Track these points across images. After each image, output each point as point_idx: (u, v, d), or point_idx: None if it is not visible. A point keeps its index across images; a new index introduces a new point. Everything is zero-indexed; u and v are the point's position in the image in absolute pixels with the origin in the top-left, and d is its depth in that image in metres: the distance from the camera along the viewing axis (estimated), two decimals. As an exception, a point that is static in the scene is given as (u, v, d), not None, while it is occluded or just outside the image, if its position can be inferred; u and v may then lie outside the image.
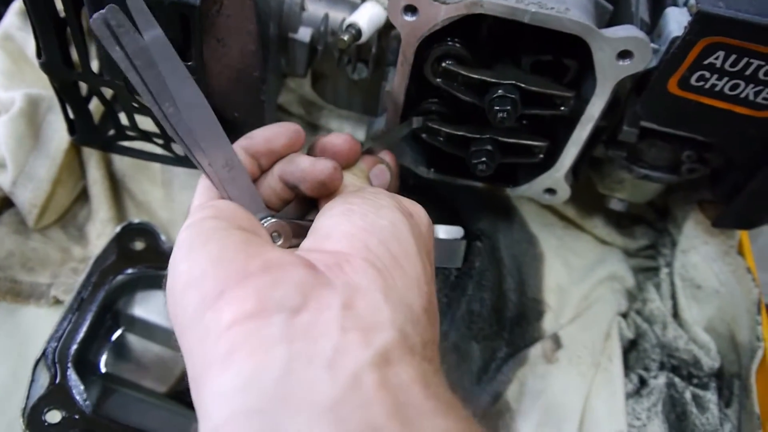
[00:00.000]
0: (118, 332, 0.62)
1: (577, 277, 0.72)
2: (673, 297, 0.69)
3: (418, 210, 0.41)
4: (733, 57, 0.49)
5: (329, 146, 0.46)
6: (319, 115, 0.78)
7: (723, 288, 0.67)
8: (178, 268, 0.34)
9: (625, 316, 0.71)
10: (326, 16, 0.61)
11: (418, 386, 0.29)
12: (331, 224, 0.37)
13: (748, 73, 0.50)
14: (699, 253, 0.68)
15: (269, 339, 0.29)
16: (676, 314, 0.69)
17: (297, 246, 0.40)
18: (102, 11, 0.38)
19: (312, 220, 0.40)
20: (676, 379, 0.64)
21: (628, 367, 0.66)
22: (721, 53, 0.49)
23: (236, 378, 0.29)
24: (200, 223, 0.36)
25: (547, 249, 0.73)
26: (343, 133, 0.47)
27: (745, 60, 0.49)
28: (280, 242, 0.42)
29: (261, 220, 0.42)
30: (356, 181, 0.46)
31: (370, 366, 0.29)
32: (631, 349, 0.68)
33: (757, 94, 0.52)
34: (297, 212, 0.46)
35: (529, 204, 0.75)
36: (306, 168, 0.42)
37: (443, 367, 0.35)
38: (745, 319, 0.66)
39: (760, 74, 0.50)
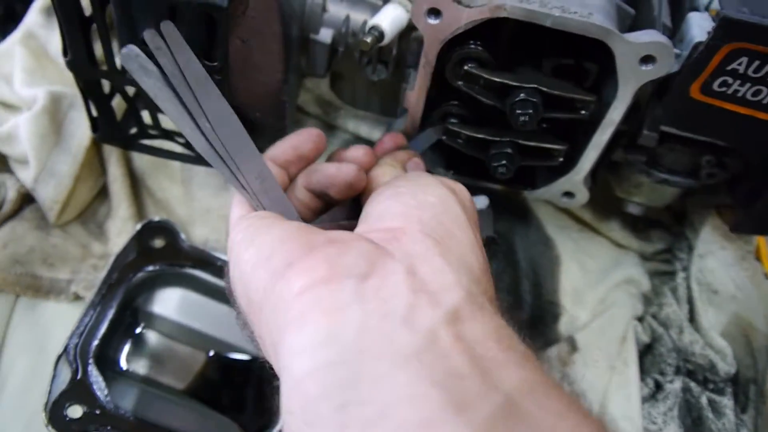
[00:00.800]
0: (138, 329, 0.62)
1: (593, 281, 0.72)
2: (690, 301, 0.69)
3: (459, 187, 0.42)
4: (756, 63, 0.49)
5: (350, 159, 0.48)
6: (336, 115, 0.78)
7: (740, 293, 0.67)
8: (243, 256, 0.36)
9: (641, 320, 0.70)
10: (347, 18, 0.62)
11: (492, 340, 0.30)
12: (383, 207, 0.38)
13: (771, 79, 0.50)
14: (716, 257, 0.68)
15: (342, 300, 0.30)
16: (692, 319, 0.69)
17: None
18: (129, 47, 0.40)
19: (346, 224, 0.41)
20: (692, 384, 0.64)
21: (643, 371, 0.66)
22: (745, 59, 0.49)
23: (315, 334, 0.29)
24: (253, 222, 0.38)
25: (563, 252, 0.73)
26: (362, 146, 0.49)
27: (768, 66, 0.49)
28: None
29: None
30: (394, 171, 0.47)
31: (444, 323, 0.29)
32: (646, 353, 0.68)
33: (779, 100, 0.52)
34: (332, 219, 0.47)
35: (545, 206, 0.75)
36: (332, 173, 0.45)
37: None
38: (762, 324, 0.66)
39: (784, 80, 0.50)
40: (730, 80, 0.51)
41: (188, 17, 0.47)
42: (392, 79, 0.66)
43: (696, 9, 0.58)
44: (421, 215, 0.36)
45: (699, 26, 0.53)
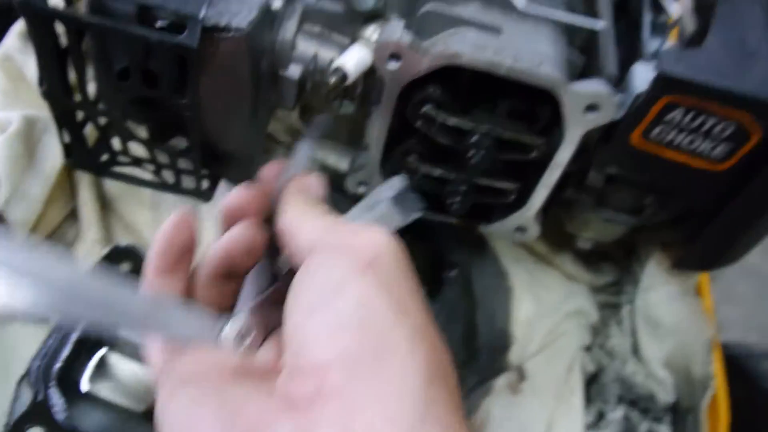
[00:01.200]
0: (101, 351, 0.64)
1: (545, 311, 0.75)
2: (634, 333, 0.73)
3: (371, 247, 0.35)
4: (691, 114, 0.53)
5: (233, 212, 0.41)
6: (304, 144, 0.81)
7: (680, 326, 0.71)
8: None
9: (588, 350, 0.74)
10: (316, 55, 0.65)
11: None
12: (301, 335, 0.33)
13: (704, 129, 0.54)
14: (659, 292, 0.72)
15: None
16: (636, 350, 0.72)
17: (273, 325, 0.38)
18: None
19: (271, 293, 0.38)
20: (633, 413, 0.68)
21: (589, 400, 0.69)
22: (680, 110, 0.53)
23: None
24: (167, 406, 0.34)
25: (517, 283, 0.76)
26: (234, 191, 0.42)
27: (702, 117, 0.53)
28: (248, 341, 0.37)
29: (219, 331, 0.37)
30: (301, 206, 0.40)
31: None
32: (592, 382, 0.71)
33: (713, 149, 0.56)
34: (254, 295, 0.42)
35: (501, 239, 0.78)
36: (224, 251, 0.39)
37: None
38: (700, 356, 0.70)
39: (716, 131, 0.54)
40: (667, 129, 0.55)
41: (161, 55, 0.50)
42: (358, 113, 0.69)
43: (644, 56, 0.62)
44: (341, 338, 0.31)
45: (641, 77, 0.57)
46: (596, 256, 0.80)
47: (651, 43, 0.65)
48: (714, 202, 0.60)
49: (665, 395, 0.68)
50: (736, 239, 0.62)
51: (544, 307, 0.76)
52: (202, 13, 0.47)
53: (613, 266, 0.79)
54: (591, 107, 0.54)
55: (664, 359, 0.71)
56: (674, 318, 0.71)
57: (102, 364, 0.64)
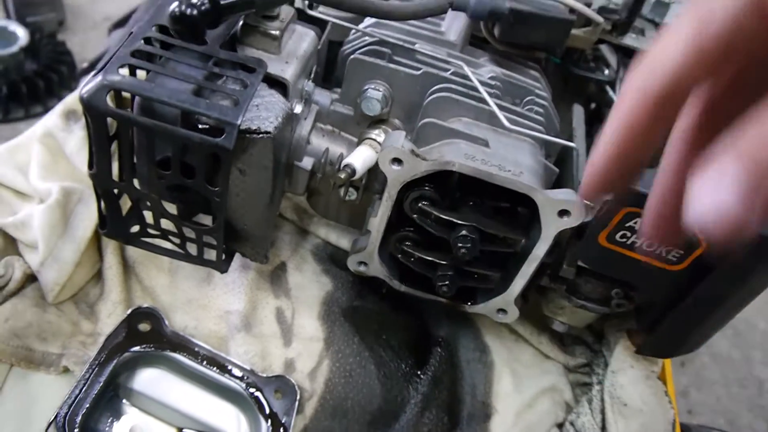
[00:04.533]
0: (120, 403, 0.70)
1: (523, 386, 0.82)
2: (603, 412, 0.79)
3: None
4: (648, 223, 0.62)
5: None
6: (309, 222, 0.90)
7: (645, 407, 0.78)
8: None
9: (561, 425, 0.81)
10: (327, 150, 0.74)
11: None
12: None
13: (660, 236, 0.63)
14: (626, 374, 0.79)
15: None
16: (604, 428, 0.79)
17: None
18: None
19: None
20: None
21: (559, 472, 0.75)
22: (639, 219, 0.62)
23: None
24: None
25: (497, 358, 0.83)
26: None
27: (657, 226, 0.62)
28: None
29: None
30: None
31: None
32: (563, 456, 0.78)
33: (668, 252, 0.64)
34: None
35: (485, 317, 0.86)
36: None
37: None
38: (662, 435, 0.77)
39: (670, 238, 0.63)
40: (628, 234, 0.64)
41: (198, 152, 0.58)
42: (361, 200, 0.78)
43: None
44: None
45: (608, 187, 0.66)
46: (570, 338, 0.87)
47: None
48: (670, 298, 0.69)
49: (628, 471, 0.74)
50: (689, 332, 0.70)
51: (521, 382, 0.83)
52: (239, 120, 0.56)
53: (585, 349, 0.87)
54: (563, 212, 0.62)
55: (629, 437, 0.78)
56: (640, 399, 0.78)
57: (120, 415, 0.70)
